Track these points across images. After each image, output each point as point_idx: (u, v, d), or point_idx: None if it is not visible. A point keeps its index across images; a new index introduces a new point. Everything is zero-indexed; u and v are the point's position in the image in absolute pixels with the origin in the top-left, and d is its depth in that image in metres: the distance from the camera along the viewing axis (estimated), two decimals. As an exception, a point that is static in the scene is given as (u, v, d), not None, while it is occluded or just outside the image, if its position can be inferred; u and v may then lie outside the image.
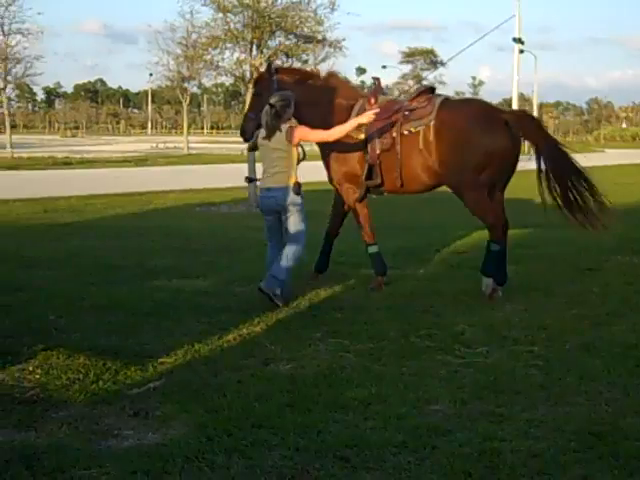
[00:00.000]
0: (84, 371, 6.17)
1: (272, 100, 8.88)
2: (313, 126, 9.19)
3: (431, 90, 9.93)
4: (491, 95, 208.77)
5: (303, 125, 9.33)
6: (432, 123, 9.24)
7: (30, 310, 8.10)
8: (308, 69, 10.90)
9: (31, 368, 6.25)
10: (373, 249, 10.06)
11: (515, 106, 78.72)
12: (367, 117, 9.06)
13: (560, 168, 9.38)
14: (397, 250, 12.14)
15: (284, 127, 8.89)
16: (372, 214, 10.15)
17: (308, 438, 4.99)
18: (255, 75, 10.17)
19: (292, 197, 8.83)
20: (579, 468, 4.63)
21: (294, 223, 8.90)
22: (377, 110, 9.27)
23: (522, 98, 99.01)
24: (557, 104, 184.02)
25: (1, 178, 28.68)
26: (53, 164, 39.00)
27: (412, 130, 9.36)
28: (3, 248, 11.98)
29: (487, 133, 9.19)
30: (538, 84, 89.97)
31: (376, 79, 10.37)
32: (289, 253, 8.80)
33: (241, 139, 10.25)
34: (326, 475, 4.50)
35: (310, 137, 9.14)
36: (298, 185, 8.86)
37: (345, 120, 9.33)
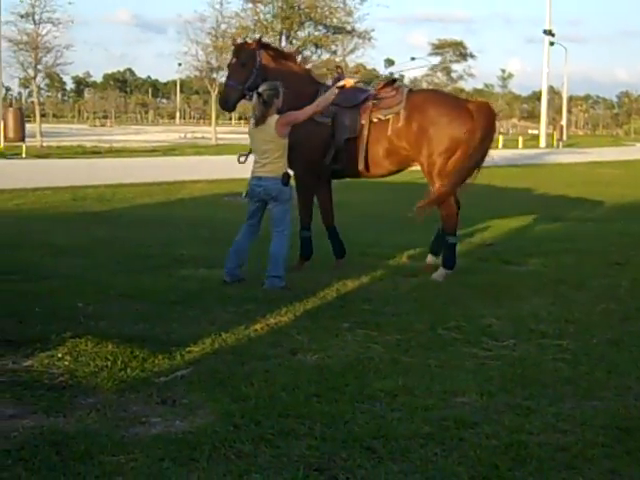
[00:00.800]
0: (112, 358, 6.19)
1: (260, 89, 9.00)
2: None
3: (393, 81, 10.39)
4: (520, 88, 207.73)
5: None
6: (402, 111, 9.75)
7: (59, 298, 8.15)
8: (290, 52, 11.07)
9: (60, 355, 6.28)
10: (305, 234, 10.23)
11: (545, 99, 78.48)
12: (333, 93, 9.41)
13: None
14: (424, 242, 12.09)
15: (273, 118, 9.03)
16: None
17: (335, 428, 4.99)
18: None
19: (281, 188, 9.06)
20: (607, 462, 4.61)
21: (280, 214, 9.19)
22: (342, 84, 9.52)
23: (552, 91, 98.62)
24: (587, 97, 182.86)
25: (31, 166, 28.85)
26: (82, 153, 39.20)
27: (381, 118, 9.81)
28: (32, 235, 12.05)
29: (454, 120, 9.68)
30: (568, 77, 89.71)
31: (338, 67, 11.03)
32: (275, 249, 9.17)
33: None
34: (352, 465, 4.50)
35: (290, 119, 9.21)
36: (287, 177, 9.11)
37: (307, 100, 9.59)
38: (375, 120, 9.84)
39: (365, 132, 9.82)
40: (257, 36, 10.87)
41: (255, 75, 9.92)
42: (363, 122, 9.84)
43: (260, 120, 9.01)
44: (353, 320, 7.58)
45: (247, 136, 9.53)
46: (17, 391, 5.52)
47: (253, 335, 7.06)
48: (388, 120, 9.80)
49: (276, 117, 9.04)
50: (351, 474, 4.40)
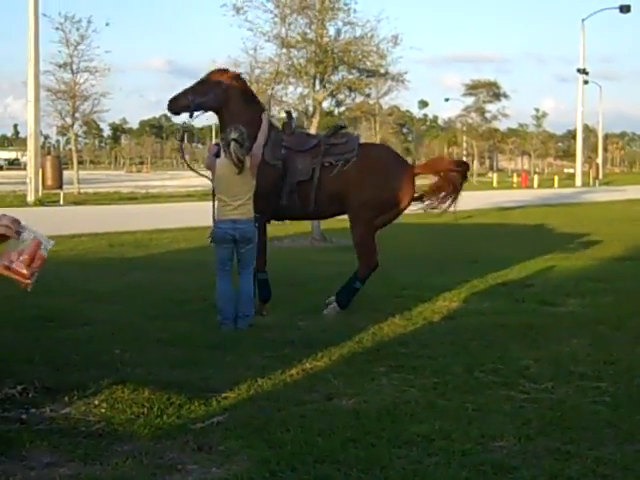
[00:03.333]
0: (148, 405, 6.20)
1: (234, 135, 9.11)
2: None
3: (342, 127, 10.84)
4: (555, 126, 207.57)
5: None
6: (354, 159, 10.07)
7: (96, 344, 8.19)
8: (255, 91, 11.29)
9: (97, 402, 6.31)
10: (263, 276, 10.21)
11: (580, 138, 78.26)
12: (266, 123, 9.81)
13: None
14: (461, 283, 12.07)
15: (247, 160, 9.23)
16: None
17: (371, 474, 4.95)
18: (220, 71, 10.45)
19: (254, 230, 9.34)
20: (649, 507, 4.53)
21: (252, 255, 9.44)
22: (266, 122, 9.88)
23: (587, 129, 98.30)
24: (623, 135, 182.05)
25: (68, 213, 29.16)
26: (119, 199, 39.56)
27: (332, 162, 10.08)
28: (70, 282, 12.16)
29: (399, 177, 10.16)
30: (603, 114, 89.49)
31: (288, 113, 11.28)
32: (249, 289, 9.41)
33: None
34: (390, 512, 4.46)
35: (257, 159, 9.46)
36: (256, 217, 9.37)
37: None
38: (326, 164, 10.12)
39: (316, 175, 10.09)
40: (238, 72, 10.97)
41: (212, 97, 10.19)
42: (314, 166, 10.10)
43: (241, 164, 9.11)
44: (389, 364, 7.55)
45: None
46: (54, 439, 5.53)
47: (289, 380, 7.05)
48: (337, 165, 10.11)
49: (248, 159, 9.26)
50: (388, 521, 4.36)
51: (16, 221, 4.18)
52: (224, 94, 10.16)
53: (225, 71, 10.59)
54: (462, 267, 14.15)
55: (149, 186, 53.77)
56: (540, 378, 7.11)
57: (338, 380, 7.00)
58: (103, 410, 6.14)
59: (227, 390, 6.61)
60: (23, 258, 4.19)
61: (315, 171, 10.07)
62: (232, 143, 9.12)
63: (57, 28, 41.88)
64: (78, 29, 42.41)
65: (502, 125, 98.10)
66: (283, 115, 27.09)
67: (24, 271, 3.54)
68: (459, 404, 6.37)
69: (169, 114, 10.70)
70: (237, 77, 10.52)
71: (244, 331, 8.97)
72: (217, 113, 10.27)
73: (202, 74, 10.55)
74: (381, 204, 10.09)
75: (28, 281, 4.21)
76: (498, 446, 5.49)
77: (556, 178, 71.25)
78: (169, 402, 6.27)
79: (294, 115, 11.14)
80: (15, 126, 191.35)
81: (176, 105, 10.31)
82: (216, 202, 9.41)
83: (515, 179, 74.76)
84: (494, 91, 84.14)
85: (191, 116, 10.35)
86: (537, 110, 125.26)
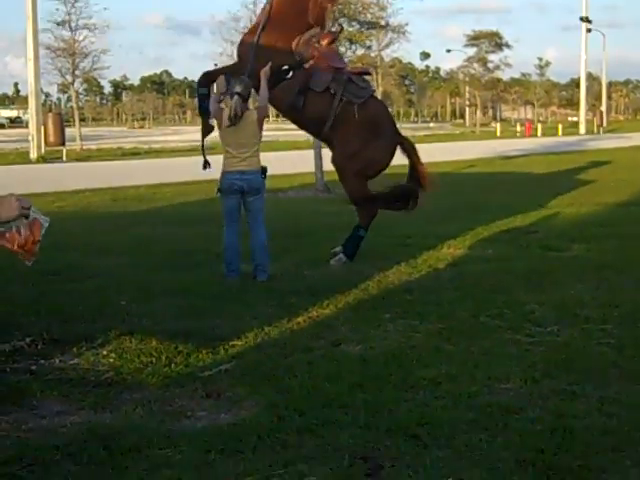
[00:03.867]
0: (156, 354, 6.25)
1: (239, 89, 9.07)
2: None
3: (368, 73, 11.17)
4: (558, 75, 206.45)
5: None
6: (356, 105, 10.08)
7: (102, 296, 8.23)
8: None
9: (105, 352, 6.36)
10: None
11: (583, 86, 77.79)
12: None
13: None
14: (465, 231, 12.08)
15: (252, 113, 9.29)
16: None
17: (379, 417, 4.99)
18: None
19: (261, 180, 9.33)
20: (654, 444, 4.57)
21: (261, 205, 9.44)
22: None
23: (590, 77, 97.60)
24: (627, 82, 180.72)
25: (71, 169, 29.10)
26: (121, 155, 39.47)
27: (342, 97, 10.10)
28: (74, 236, 12.17)
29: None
30: (606, 62, 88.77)
31: (340, 25, 11.63)
32: (263, 238, 9.36)
33: None
34: (397, 453, 4.50)
35: (264, 113, 9.65)
36: (265, 169, 9.36)
37: None
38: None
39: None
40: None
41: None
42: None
43: (239, 117, 9.07)
44: (394, 310, 7.59)
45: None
46: (64, 388, 5.59)
47: (296, 328, 7.09)
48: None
49: (254, 112, 9.35)
50: (396, 462, 4.41)
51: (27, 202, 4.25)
52: None
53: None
54: (466, 215, 14.13)
55: (152, 141, 53.61)
56: (545, 322, 7.15)
57: (344, 327, 7.05)
58: (112, 360, 6.20)
59: (234, 338, 6.66)
60: (26, 234, 4.25)
61: (330, 97, 10.08)
62: (235, 97, 9.07)
63: (55, -15, 41.55)
64: (76, -14, 42.04)
65: (505, 75, 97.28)
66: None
67: (29, 246, 3.59)
68: (465, 348, 6.41)
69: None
70: None
71: (250, 281, 8.99)
72: None
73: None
74: (362, 158, 10.19)
75: (32, 258, 4.29)
76: (504, 388, 5.53)
77: (560, 126, 70.84)
78: (177, 351, 6.32)
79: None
80: (16, 84, 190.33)
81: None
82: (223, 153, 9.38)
83: (519, 128, 74.42)
84: (496, 41, 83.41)
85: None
86: (540, 59, 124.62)
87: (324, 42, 10.25)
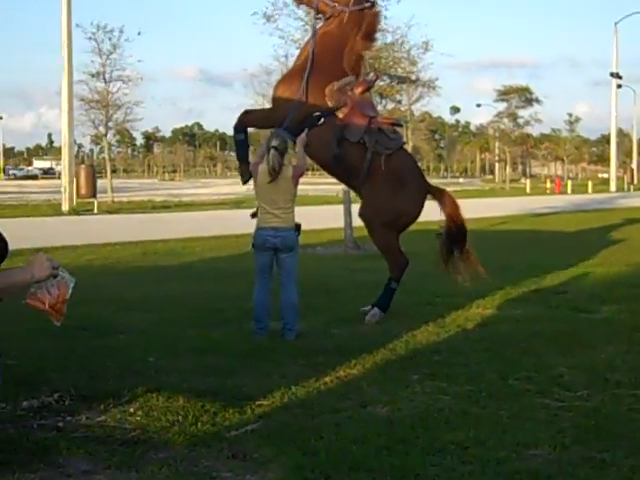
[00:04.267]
0: (183, 413, 6.24)
1: (275, 143, 9.13)
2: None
3: (399, 125, 11.49)
4: (589, 131, 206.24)
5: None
6: (384, 157, 10.16)
7: (130, 352, 8.25)
8: None
9: (132, 410, 6.35)
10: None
11: (614, 142, 77.70)
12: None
13: None
14: (494, 290, 12.02)
15: (288, 169, 9.30)
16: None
17: (406, 482, 4.95)
18: None
19: (295, 238, 9.36)
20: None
21: (294, 263, 9.43)
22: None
23: (621, 134, 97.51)
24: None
25: (102, 222, 29.35)
26: (152, 208, 39.73)
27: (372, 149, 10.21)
28: (104, 291, 12.24)
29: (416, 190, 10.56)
30: (637, 119, 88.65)
31: (375, 73, 11.50)
32: (294, 297, 9.35)
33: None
34: (424, 520, 4.45)
35: (301, 171, 9.62)
36: (299, 226, 9.39)
37: None
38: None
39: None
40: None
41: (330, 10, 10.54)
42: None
43: (278, 172, 9.12)
44: (423, 371, 7.54)
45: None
46: (91, 447, 5.58)
47: (323, 388, 7.06)
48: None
49: (291, 169, 9.34)
50: (423, 529, 4.36)
51: (55, 262, 4.31)
52: None
53: None
54: (495, 274, 14.04)
55: (182, 194, 54.00)
56: (575, 386, 7.07)
57: (372, 388, 7.01)
58: (138, 418, 6.19)
59: (261, 398, 6.64)
60: (56, 294, 4.30)
61: (366, 138, 10.15)
62: (272, 150, 9.14)
63: (90, 38, 42.11)
64: (110, 39, 42.61)
65: (535, 130, 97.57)
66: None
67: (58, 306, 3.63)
68: (493, 412, 6.35)
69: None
70: None
71: (278, 339, 8.99)
72: None
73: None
74: (390, 211, 10.30)
75: (61, 318, 4.34)
76: (533, 454, 5.47)
77: (590, 183, 70.75)
78: (204, 410, 6.31)
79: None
80: (49, 135, 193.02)
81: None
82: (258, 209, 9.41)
83: (548, 185, 74.34)
84: (526, 96, 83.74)
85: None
86: (570, 115, 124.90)
87: (358, 90, 10.33)
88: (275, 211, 9.19)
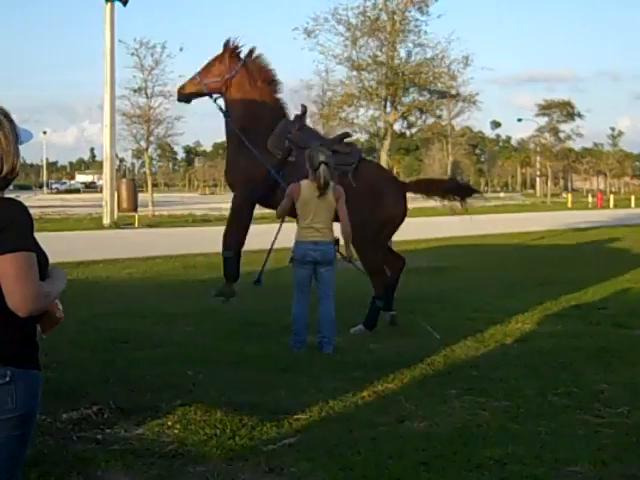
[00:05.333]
0: (221, 427, 6.26)
1: (323, 158, 9.19)
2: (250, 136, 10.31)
3: (347, 135, 11.33)
4: (631, 145, 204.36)
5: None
6: (350, 173, 10.31)
7: (169, 365, 8.29)
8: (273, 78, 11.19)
9: (170, 423, 6.38)
10: (229, 254, 10.88)
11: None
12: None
13: None
14: (533, 306, 11.95)
15: (331, 186, 9.26)
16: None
17: (443, 498, 4.93)
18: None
19: (334, 251, 9.38)
20: None
21: (332, 277, 9.43)
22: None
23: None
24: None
25: (142, 235, 29.54)
26: (192, 221, 39.92)
27: None
28: (144, 304, 12.32)
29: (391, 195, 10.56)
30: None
31: (303, 106, 11.20)
32: (332, 311, 9.33)
33: None
34: (461, 536, 4.43)
35: (344, 198, 9.45)
36: (337, 241, 9.41)
37: (264, 127, 10.47)
38: None
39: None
40: (251, 47, 11.00)
41: (227, 78, 10.46)
42: None
43: (326, 188, 9.15)
44: (461, 386, 7.51)
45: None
46: (129, 459, 5.62)
47: (360, 402, 7.05)
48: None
49: (336, 187, 9.35)
50: None
51: None
52: (231, 83, 10.51)
53: (235, 50, 10.83)
54: (535, 289, 14.00)
55: (222, 208, 54.17)
56: (615, 402, 7.00)
57: (409, 402, 6.99)
58: (176, 431, 6.22)
59: (298, 412, 6.64)
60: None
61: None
62: (322, 166, 9.15)
63: (132, 54, 42.63)
64: (153, 54, 43.10)
65: (576, 145, 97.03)
66: (356, 137, 27.15)
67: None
68: (532, 428, 6.31)
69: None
70: (251, 57, 10.77)
71: (316, 353, 9.00)
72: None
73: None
74: (374, 223, 10.31)
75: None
76: (572, 471, 5.42)
77: (633, 198, 70.09)
78: (241, 424, 6.32)
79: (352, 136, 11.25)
80: (92, 150, 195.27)
81: (187, 95, 10.54)
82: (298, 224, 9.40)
83: (590, 199, 73.81)
84: (568, 111, 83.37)
85: (211, 96, 10.71)
86: (613, 129, 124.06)
87: (295, 129, 10.59)
88: (316, 225, 9.20)
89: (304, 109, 11.06)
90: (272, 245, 10.29)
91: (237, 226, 10.71)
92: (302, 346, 9.20)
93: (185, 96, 11.05)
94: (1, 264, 3.09)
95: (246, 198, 10.59)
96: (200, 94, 10.92)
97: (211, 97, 10.90)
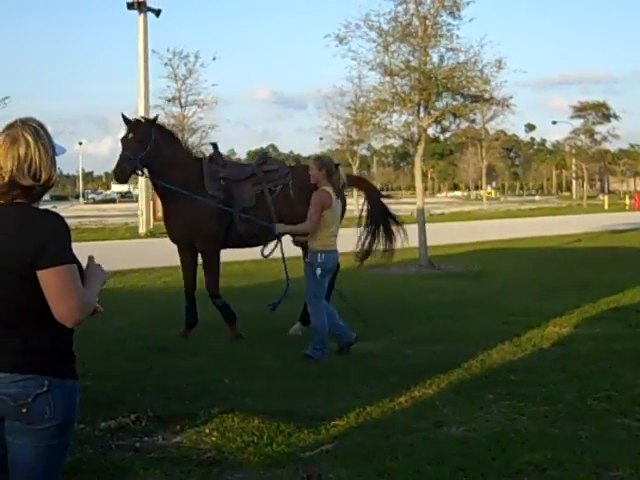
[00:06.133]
0: (258, 434, 6.26)
1: (336, 161, 9.31)
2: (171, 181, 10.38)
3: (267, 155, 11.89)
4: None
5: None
6: (290, 182, 10.73)
7: (206, 373, 8.31)
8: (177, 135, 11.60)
9: (207, 431, 6.39)
10: (220, 302, 10.85)
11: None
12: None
13: None
14: (571, 309, 11.85)
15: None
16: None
17: (482, 504, 4.89)
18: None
19: None
20: None
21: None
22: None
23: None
24: None
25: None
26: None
27: (272, 188, 10.76)
28: (180, 312, 12.28)
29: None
30: None
31: (214, 144, 11.41)
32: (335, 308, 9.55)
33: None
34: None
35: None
36: (209, 243, 9.76)
37: (196, 176, 10.52)
38: (272, 189, 10.78)
39: (267, 199, 10.65)
40: (153, 116, 11.22)
41: (149, 150, 10.32)
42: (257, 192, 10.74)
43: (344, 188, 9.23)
44: (498, 391, 7.45)
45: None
46: (167, 467, 5.64)
47: (397, 408, 7.02)
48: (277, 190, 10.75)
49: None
50: None
51: None
52: (156, 144, 10.44)
53: (143, 121, 10.90)
54: (572, 292, 13.88)
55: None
56: (656, 406, 6.91)
57: (447, 408, 6.95)
58: (214, 439, 6.22)
59: (335, 418, 6.63)
60: None
61: (263, 197, 10.63)
62: (339, 168, 9.22)
63: (166, 64, 42.84)
64: (186, 64, 43.28)
65: (613, 146, 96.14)
66: (390, 142, 27.09)
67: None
68: (571, 432, 6.24)
69: (119, 185, 11.13)
70: (157, 124, 10.79)
71: (351, 359, 8.97)
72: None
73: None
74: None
75: None
76: (613, 476, 5.36)
77: (669, 199, 69.39)
78: (278, 430, 6.32)
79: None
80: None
81: (126, 174, 10.58)
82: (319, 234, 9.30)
83: (627, 201, 73.17)
84: (603, 112, 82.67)
85: (142, 173, 10.71)
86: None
87: (221, 167, 10.76)
88: (336, 231, 9.26)
89: (215, 146, 11.22)
90: (287, 275, 10.67)
91: (217, 271, 10.98)
92: (350, 340, 9.38)
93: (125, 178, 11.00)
94: (46, 278, 3.15)
95: (217, 243, 10.76)
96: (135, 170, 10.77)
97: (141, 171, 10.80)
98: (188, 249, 10.88)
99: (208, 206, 10.40)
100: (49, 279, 3.14)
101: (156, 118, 11.02)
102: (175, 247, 11.18)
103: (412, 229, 20.80)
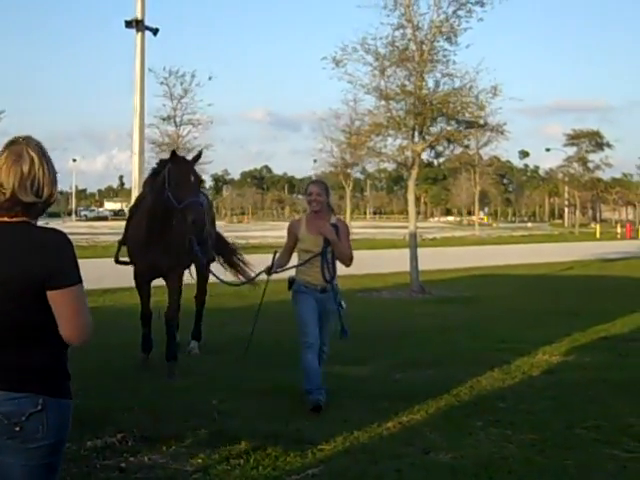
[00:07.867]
0: (245, 456, 6.23)
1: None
2: None
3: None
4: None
5: None
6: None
7: (194, 394, 8.29)
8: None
9: (194, 452, 6.36)
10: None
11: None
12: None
13: None
14: (561, 337, 11.86)
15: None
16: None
17: (468, 532, 4.87)
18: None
19: None
20: None
21: None
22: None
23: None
24: None
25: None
26: (220, 249, 39.95)
27: None
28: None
29: None
30: None
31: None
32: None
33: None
34: None
35: None
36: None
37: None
38: None
39: None
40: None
41: None
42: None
43: None
44: (487, 418, 7.44)
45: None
46: (152, 488, 5.61)
47: (385, 433, 7.00)
48: None
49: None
50: None
51: None
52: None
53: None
54: (562, 320, 13.89)
55: (250, 236, 54.34)
56: (644, 436, 6.90)
57: (435, 434, 6.94)
58: (200, 460, 6.19)
59: (323, 442, 6.61)
60: None
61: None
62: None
63: (162, 82, 42.95)
64: (182, 83, 43.43)
65: (605, 175, 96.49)
66: (383, 166, 27.09)
67: None
68: (559, 462, 6.23)
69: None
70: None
71: (341, 383, 8.94)
72: None
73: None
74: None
75: None
76: (599, 506, 5.35)
77: (662, 229, 69.62)
78: (265, 453, 6.30)
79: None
80: (120, 177, 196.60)
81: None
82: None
83: (619, 230, 73.36)
84: (597, 140, 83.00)
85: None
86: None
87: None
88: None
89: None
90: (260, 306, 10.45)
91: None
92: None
93: None
94: (58, 297, 3.17)
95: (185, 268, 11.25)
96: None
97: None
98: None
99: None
100: (64, 298, 3.17)
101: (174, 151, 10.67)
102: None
103: (404, 253, 20.86)
